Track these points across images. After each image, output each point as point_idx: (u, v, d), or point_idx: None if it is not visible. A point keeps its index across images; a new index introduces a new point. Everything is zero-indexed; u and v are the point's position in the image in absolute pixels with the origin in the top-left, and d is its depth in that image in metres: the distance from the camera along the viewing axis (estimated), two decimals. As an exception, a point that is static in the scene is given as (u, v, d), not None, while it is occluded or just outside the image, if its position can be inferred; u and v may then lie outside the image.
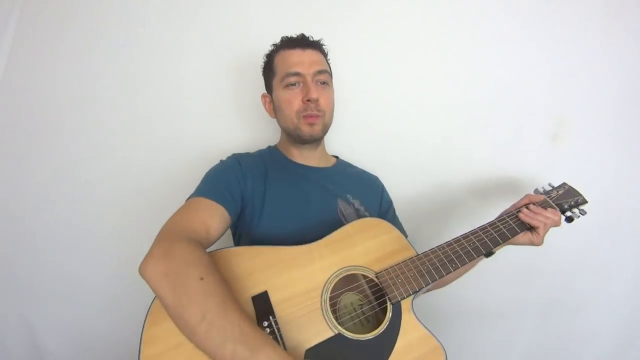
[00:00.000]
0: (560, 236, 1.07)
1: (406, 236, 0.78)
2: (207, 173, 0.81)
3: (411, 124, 1.11)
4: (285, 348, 0.60)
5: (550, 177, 1.08)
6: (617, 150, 1.07)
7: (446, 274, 0.71)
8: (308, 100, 0.80)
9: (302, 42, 0.83)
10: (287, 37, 0.86)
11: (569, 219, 0.84)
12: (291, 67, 0.81)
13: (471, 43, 1.09)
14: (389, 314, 0.67)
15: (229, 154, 0.88)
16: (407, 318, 0.67)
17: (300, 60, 0.82)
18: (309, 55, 0.83)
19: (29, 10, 1.11)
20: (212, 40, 1.10)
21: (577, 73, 1.08)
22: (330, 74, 0.89)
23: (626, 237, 1.07)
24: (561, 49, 1.08)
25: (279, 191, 0.82)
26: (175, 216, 0.69)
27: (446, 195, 1.11)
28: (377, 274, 0.70)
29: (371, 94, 1.09)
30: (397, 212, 0.98)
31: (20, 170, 1.11)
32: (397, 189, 1.00)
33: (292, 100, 0.82)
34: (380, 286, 0.69)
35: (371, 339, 0.64)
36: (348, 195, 0.87)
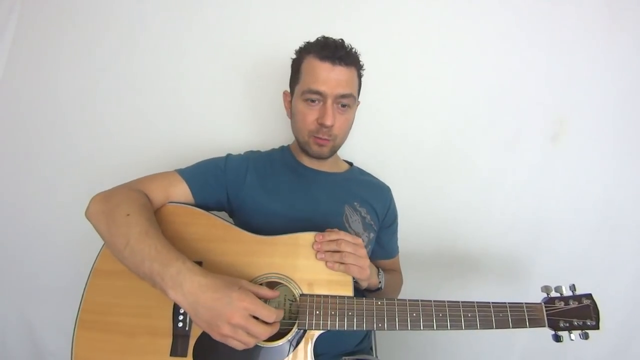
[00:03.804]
0: (560, 236, 1.08)
1: (397, 252, 0.74)
2: (204, 159, 0.84)
3: (410, 124, 1.11)
4: (190, 328, 0.64)
5: (550, 177, 1.08)
6: (617, 150, 1.07)
7: (367, 329, 0.65)
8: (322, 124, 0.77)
9: (333, 55, 0.75)
10: (322, 39, 0.79)
11: (558, 338, 0.69)
12: (315, 83, 0.76)
13: (471, 43, 1.09)
14: (289, 336, 0.65)
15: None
16: (302, 347, 0.65)
17: (326, 78, 0.75)
18: (338, 73, 0.76)
19: (29, 10, 1.11)
20: (213, 39, 1.10)
21: (577, 73, 1.08)
22: (356, 95, 0.82)
23: (626, 237, 1.07)
24: (561, 49, 1.08)
25: (286, 193, 0.82)
26: (143, 177, 0.76)
27: (445, 196, 1.11)
28: (301, 294, 0.67)
29: (371, 94, 1.09)
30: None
31: (21, 170, 1.11)
32: (395, 189, 1.00)
33: (307, 116, 0.79)
34: (297, 308, 0.66)
35: (261, 347, 0.63)
36: (355, 203, 0.85)
